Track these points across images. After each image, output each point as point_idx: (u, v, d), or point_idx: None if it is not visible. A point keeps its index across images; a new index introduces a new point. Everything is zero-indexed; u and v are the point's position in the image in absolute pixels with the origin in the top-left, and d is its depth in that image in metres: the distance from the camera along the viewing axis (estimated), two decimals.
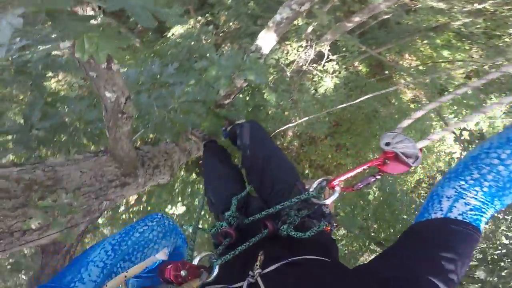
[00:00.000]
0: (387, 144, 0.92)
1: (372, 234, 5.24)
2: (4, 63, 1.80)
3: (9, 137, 1.85)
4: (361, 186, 1.03)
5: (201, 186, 5.31)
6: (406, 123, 1.05)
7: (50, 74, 1.86)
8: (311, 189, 1.10)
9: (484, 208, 0.85)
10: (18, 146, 1.79)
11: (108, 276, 0.90)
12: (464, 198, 0.86)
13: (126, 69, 2.90)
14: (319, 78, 5.73)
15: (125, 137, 1.73)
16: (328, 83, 5.63)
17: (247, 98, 5.11)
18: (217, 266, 0.95)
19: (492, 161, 0.85)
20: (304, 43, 5.53)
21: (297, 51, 5.58)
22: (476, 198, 0.85)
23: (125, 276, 0.81)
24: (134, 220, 5.10)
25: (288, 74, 5.65)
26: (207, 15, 5.60)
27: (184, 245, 1.32)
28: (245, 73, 1.90)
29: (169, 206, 5.01)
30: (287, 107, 5.39)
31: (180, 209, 4.99)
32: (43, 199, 1.20)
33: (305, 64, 5.67)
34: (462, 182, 0.88)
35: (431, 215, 0.88)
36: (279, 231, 1.14)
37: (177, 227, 1.27)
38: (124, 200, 5.06)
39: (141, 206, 5.20)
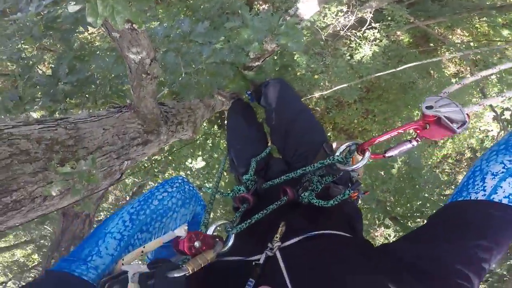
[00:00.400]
0: (429, 107, 0.82)
1: (388, 208, 5.09)
2: (34, 18, 1.75)
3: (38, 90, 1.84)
4: (394, 152, 0.91)
5: (222, 141, 5.25)
6: (453, 88, 0.96)
7: (80, 29, 1.78)
8: (337, 153, 0.99)
9: None
10: (45, 98, 1.77)
11: (125, 249, 0.86)
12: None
13: (157, 23, 2.77)
14: (357, 44, 5.37)
15: (149, 96, 1.67)
16: (366, 51, 5.28)
17: (275, 57, 4.87)
18: (232, 236, 0.90)
19: None
20: (345, 8, 5.14)
21: (336, 15, 5.21)
22: None
23: (142, 251, 0.78)
24: (155, 170, 5.21)
25: (323, 37, 5.33)
26: None
27: (203, 213, 1.27)
28: (280, 38, 1.73)
29: (189, 160, 5.03)
30: (317, 70, 5.12)
31: (200, 163, 5.01)
32: (64, 161, 1.17)
33: (343, 29, 5.31)
34: None
35: (471, 195, 0.76)
36: (299, 199, 1.05)
37: (197, 193, 1.21)
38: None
39: (163, 156, 5.23)
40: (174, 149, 4.87)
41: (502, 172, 0.74)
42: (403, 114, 6.41)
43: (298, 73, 5.08)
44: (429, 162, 7.49)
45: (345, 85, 4.13)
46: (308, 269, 0.71)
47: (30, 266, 8.57)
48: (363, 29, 5.33)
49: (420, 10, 5.83)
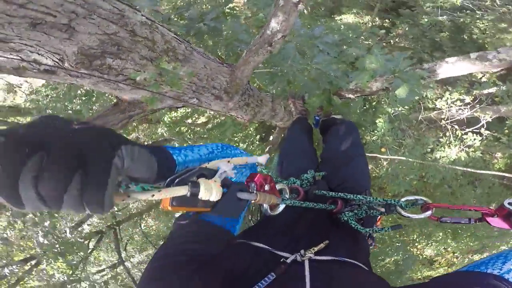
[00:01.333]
0: (510, 203, 0.92)
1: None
2: None
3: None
4: (447, 220, 1.02)
5: (258, 152, 5.19)
6: None
7: None
8: (402, 199, 1.08)
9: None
10: (187, 27, 2.15)
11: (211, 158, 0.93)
12: None
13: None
14: (448, 142, 5.05)
15: (253, 64, 1.88)
16: (452, 153, 4.95)
17: (366, 105, 4.76)
18: (283, 206, 0.95)
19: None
20: (468, 99, 4.86)
21: (451, 102, 4.98)
22: None
23: (228, 161, 0.79)
24: (190, 135, 5.36)
25: (420, 117, 5.16)
26: (386, 20, 5.42)
27: None
28: (398, 81, 1.78)
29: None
30: (389, 145, 4.92)
31: None
32: (169, 62, 1.45)
33: (446, 119, 5.04)
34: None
35: (487, 270, 0.77)
36: (341, 215, 1.16)
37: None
38: (205, 112, 5.25)
39: (204, 129, 5.36)
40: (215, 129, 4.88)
41: None
42: None
43: (368, 137, 5.03)
44: None
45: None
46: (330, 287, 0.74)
47: None
48: (467, 129, 4.91)
49: None
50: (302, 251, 0.81)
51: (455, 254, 6.94)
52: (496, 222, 0.94)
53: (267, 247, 0.85)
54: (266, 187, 0.81)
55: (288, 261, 0.76)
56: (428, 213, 1.02)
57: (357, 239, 1.11)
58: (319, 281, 0.73)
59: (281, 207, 0.94)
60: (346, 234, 1.11)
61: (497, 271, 0.76)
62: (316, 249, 0.84)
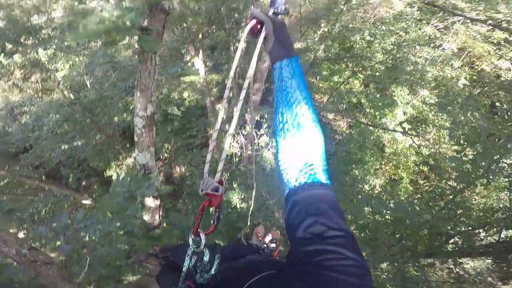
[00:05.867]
0: (202, 190, 1.00)
1: (410, 254, 4.66)
2: None
3: None
4: (216, 221, 1.08)
5: None
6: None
7: None
8: (190, 243, 1.08)
9: (307, 162, 0.90)
10: None
11: None
12: (289, 165, 0.92)
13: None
14: (260, 156, 5.76)
15: (60, 280, 1.59)
16: (269, 156, 5.66)
17: (215, 213, 4.81)
18: None
19: (279, 130, 0.99)
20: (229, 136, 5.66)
21: (230, 144, 5.70)
22: (296, 163, 0.92)
23: None
24: None
25: (234, 167, 5.65)
26: None
27: None
28: (137, 193, 1.86)
29: None
30: (249, 197, 5.23)
31: None
32: None
33: (243, 151, 5.73)
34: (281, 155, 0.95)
35: (284, 192, 0.91)
36: (197, 283, 1.08)
37: None
38: None
39: None
40: None
41: (282, 170, 0.95)
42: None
43: (239, 210, 5.11)
44: (406, 196, 7.51)
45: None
46: None
47: None
48: (255, 141, 5.82)
49: None
50: None
51: None
52: (215, 201, 1.01)
53: None
54: None
55: None
56: (202, 235, 1.06)
57: (245, 271, 1.10)
58: None
59: None
60: (230, 283, 1.05)
61: (287, 188, 0.90)
62: None
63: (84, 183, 5.41)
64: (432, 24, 6.81)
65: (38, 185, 4.93)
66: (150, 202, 2.10)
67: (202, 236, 1.05)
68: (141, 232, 1.99)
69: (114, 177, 4.95)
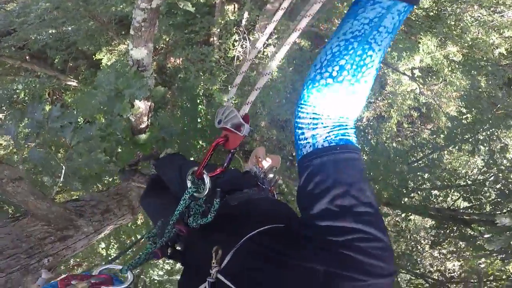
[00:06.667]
0: (219, 122, 0.84)
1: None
2: None
3: None
4: (226, 164, 0.94)
5: None
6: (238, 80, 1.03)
7: None
8: (188, 185, 0.95)
9: (343, 123, 0.78)
10: None
11: None
12: (320, 120, 0.77)
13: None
14: (263, 65, 5.47)
15: (31, 198, 1.53)
16: (272, 67, 5.36)
17: (203, 107, 4.81)
18: (129, 273, 0.80)
19: (327, 81, 0.75)
20: (236, 36, 5.26)
21: (233, 46, 5.31)
22: (330, 118, 0.77)
23: None
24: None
25: (233, 71, 5.39)
26: None
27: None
28: (126, 92, 1.58)
29: None
30: (244, 102, 5.11)
31: None
32: None
33: (246, 56, 5.42)
34: (312, 108, 0.79)
35: (303, 151, 0.79)
36: (189, 226, 1.01)
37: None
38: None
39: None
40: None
41: (311, 122, 0.78)
42: None
43: None
44: (388, 136, 7.67)
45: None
46: (250, 277, 0.71)
47: None
48: (261, 49, 5.44)
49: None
50: (210, 270, 0.75)
51: None
52: (233, 141, 0.85)
53: None
54: (74, 282, 0.68)
55: None
56: (206, 178, 0.92)
57: (237, 217, 1.02)
58: (240, 276, 0.71)
59: (129, 277, 0.78)
60: (226, 224, 0.99)
61: (309, 146, 0.78)
62: (214, 261, 0.76)
63: (71, 64, 4.99)
64: None
65: (20, 65, 4.51)
66: (140, 103, 1.92)
67: (207, 180, 0.91)
68: (125, 136, 1.87)
69: (104, 61, 4.56)
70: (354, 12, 0.75)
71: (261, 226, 0.83)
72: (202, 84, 4.86)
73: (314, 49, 6.62)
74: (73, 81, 4.82)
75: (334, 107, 0.76)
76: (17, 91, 3.98)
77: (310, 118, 0.78)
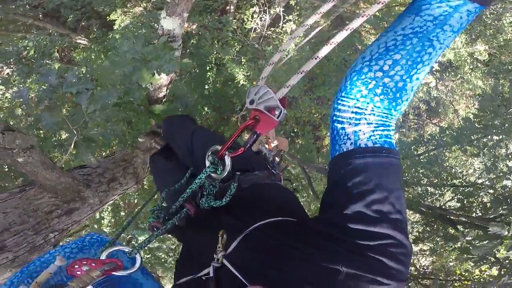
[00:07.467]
0: (251, 102, 0.77)
1: None
2: None
3: None
4: (249, 145, 0.84)
5: None
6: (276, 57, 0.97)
7: None
8: (207, 165, 0.88)
9: (386, 121, 0.74)
10: None
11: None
12: (363, 116, 0.74)
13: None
14: (280, 40, 5.26)
15: (40, 168, 1.44)
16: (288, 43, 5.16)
17: (212, 74, 4.67)
18: (138, 256, 0.80)
19: (376, 74, 0.72)
20: (256, 9, 5.02)
21: (252, 18, 5.07)
22: (374, 114, 0.74)
23: (36, 283, 0.71)
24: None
25: (249, 43, 5.18)
26: None
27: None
28: (154, 65, 1.47)
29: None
30: (256, 77, 4.95)
31: None
32: None
33: (263, 30, 5.20)
34: (354, 101, 0.75)
35: (342, 147, 0.76)
36: (200, 207, 0.97)
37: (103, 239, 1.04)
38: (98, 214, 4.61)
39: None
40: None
41: (353, 116, 0.74)
42: None
43: (240, 85, 4.87)
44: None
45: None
46: (256, 265, 0.70)
47: None
48: (280, 24, 5.18)
49: None
50: (214, 255, 0.74)
51: None
52: (264, 125, 0.77)
53: (190, 277, 0.78)
54: (85, 268, 0.69)
55: (210, 273, 0.72)
56: (227, 158, 0.85)
57: (247, 204, 0.97)
58: (246, 266, 0.70)
59: (137, 259, 0.78)
60: (235, 209, 0.95)
61: (349, 142, 0.75)
62: (220, 245, 0.76)
63: (83, 23, 4.76)
64: None
65: (33, 23, 4.27)
66: (164, 74, 1.79)
67: (228, 161, 0.84)
68: (142, 107, 1.78)
69: (118, 22, 4.34)
70: (417, 8, 0.73)
71: (270, 217, 0.81)
72: (215, 53, 4.70)
73: (333, 30, 6.34)
74: (84, 40, 4.64)
75: (379, 103, 0.73)
76: (27, 48, 3.81)
77: (352, 112, 0.75)
